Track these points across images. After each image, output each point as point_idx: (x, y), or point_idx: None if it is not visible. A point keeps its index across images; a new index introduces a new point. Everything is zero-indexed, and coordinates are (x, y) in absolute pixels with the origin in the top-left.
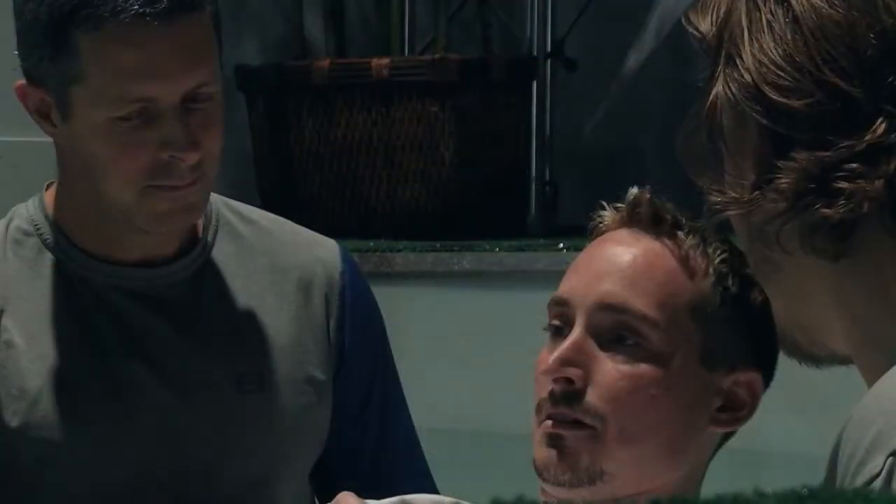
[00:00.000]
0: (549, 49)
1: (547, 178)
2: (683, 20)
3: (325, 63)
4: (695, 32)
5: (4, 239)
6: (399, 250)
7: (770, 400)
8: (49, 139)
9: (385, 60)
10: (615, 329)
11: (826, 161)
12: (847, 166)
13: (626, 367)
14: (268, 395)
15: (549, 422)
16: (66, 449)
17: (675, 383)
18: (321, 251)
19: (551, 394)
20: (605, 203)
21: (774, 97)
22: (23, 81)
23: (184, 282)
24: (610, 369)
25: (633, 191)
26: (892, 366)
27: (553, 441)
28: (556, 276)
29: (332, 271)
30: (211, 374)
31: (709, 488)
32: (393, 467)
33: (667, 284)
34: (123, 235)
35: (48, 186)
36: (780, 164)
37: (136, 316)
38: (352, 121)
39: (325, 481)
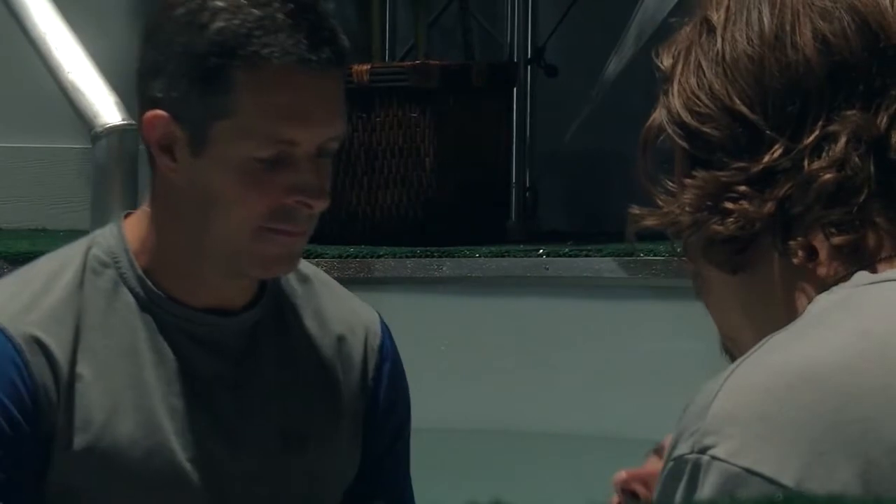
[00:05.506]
0: (529, 55)
1: (527, 183)
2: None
3: None
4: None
5: (83, 266)
6: (379, 256)
7: None
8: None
9: (366, 66)
10: None
11: (721, 181)
12: (738, 188)
13: None
14: (309, 456)
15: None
16: (122, 482)
17: None
18: (365, 320)
19: None
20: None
21: (691, 122)
22: (155, 112)
23: (246, 332)
24: None
25: None
26: None
27: None
28: (537, 282)
29: (373, 344)
30: (260, 428)
31: None
32: None
33: None
34: (208, 279)
35: (127, 216)
36: (686, 181)
37: (201, 361)
38: None
39: None
